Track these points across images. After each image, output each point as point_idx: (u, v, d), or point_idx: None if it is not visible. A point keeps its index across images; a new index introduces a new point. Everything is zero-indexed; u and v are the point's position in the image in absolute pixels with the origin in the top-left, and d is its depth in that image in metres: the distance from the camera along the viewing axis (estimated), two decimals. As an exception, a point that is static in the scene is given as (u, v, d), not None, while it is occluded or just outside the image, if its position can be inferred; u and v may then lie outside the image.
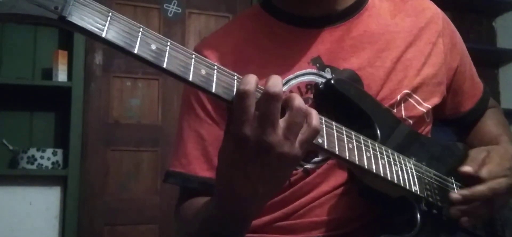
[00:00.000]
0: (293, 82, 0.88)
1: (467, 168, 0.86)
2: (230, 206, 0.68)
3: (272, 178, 0.64)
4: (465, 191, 0.84)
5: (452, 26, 1.02)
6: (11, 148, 2.60)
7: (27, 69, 2.68)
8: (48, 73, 2.63)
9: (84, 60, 2.68)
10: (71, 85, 2.57)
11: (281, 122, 0.60)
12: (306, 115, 0.62)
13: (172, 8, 2.97)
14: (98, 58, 2.82)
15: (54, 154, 2.55)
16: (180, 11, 2.98)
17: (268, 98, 0.59)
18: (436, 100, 0.94)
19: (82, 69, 2.63)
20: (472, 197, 0.83)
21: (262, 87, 0.61)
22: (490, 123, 1.07)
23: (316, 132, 0.63)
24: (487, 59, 3.36)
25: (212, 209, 0.73)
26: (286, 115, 0.61)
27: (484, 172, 0.85)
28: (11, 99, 2.63)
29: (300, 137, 0.62)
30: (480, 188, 0.84)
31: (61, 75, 2.58)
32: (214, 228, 0.73)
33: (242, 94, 0.59)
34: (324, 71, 0.89)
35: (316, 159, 0.86)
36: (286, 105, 0.61)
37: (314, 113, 0.63)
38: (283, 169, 0.64)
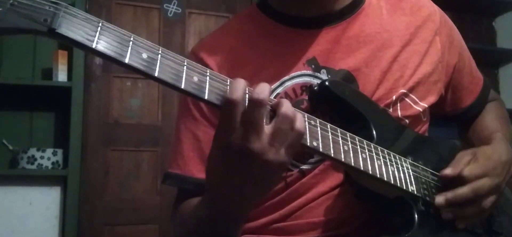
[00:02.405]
0: (288, 84, 0.88)
1: (446, 171, 0.85)
2: (219, 206, 0.69)
3: (258, 182, 0.64)
4: (449, 194, 0.83)
5: (450, 23, 1.02)
6: (11, 148, 2.60)
7: (27, 69, 2.68)
8: (48, 73, 2.64)
9: (84, 60, 2.68)
10: (71, 85, 2.57)
11: (267, 129, 0.60)
12: (292, 122, 0.61)
13: (172, 8, 2.97)
14: (98, 59, 2.82)
15: (54, 154, 2.55)
16: (180, 11, 2.98)
17: (252, 105, 0.59)
18: (432, 99, 0.94)
19: (82, 69, 2.64)
20: (455, 199, 0.83)
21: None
22: (489, 118, 1.07)
23: (300, 136, 0.63)
24: (487, 59, 3.35)
25: (203, 209, 0.73)
26: (273, 121, 0.61)
27: (465, 172, 0.84)
28: (11, 99, 2.64)
29: (285, 143, 0.61)
30: (462, 190, 0.83)
31: (61, 75, 2.58)
32: (207, 228, 0.74)
33: (228, 102, 0.59)
34: (319, 72, 0.89)
35: (312, 160, 0.86)
36: (274, 110, 0.61)
37: (299, 117, 0.63)
38: (270, 174, 0.63)
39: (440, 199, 0.83)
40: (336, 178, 0.86)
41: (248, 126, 0.59)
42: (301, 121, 0.63)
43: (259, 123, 0.59)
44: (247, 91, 0.61)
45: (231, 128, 0.59)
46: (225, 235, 0.72)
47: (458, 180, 0.84)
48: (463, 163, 0.87)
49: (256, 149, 0.60)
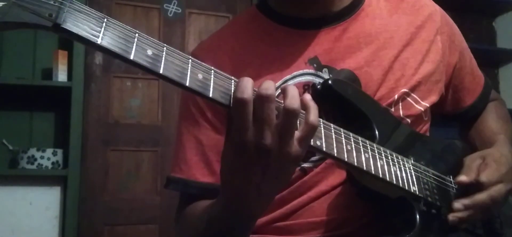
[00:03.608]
0: (290, 82, 0.88)
1: (462, 178, 0.85)
2: (235, 206, 0.68)
3: (275, 177, 0.64)
4: (466, 200, 0.83)
5: (450, 22, 1.02)
6: (11, 148, 2.60)
7: (27, 69, 2.68)
8: (48, 73, 2.63)
9: (84, 60, 2.68)
10: (71, 85, 2.57)
11: (278, 122, 0.60)
12: (300, 112, 0.61)
13: (172, 8, 2.97)
14: (98, 58, 2.82)
15: (54, 154, 2.55)
16: (180, 11, 2.98)
17: (261, 102, 0.59)
18: (434, 98, 0.94)
19: (82, 69, 2.64)
20: (473, 205, 0.83)
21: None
22: (490, 118, 1.07)
23: (313, 128, 0.62)
24: (487, 59, 3.35)
25: (217, 210, 0.73)
26: (280, 115, 0.60)
27: (483, 178, 0.85)
28: (11, 99, 2.64)
29: (298, 134, 0.61)
30: (481, 196, 0.84)
31: (61, 75, 2.58)
32: (220, 227, 0.73)
33: (239, 102, 0.58)
34: (321, 71, 0.89)
35: (313, 158, 0.86)
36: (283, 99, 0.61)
37: (312, 108, 0.62)
38: (286, 168, 0.63)
39: (458, 205, 0.83)
40: (337, 176, 0.85)
41: (260, 123, 0.59)
42: (315, 112, 0.62)
43: (271, 119, 0.59)
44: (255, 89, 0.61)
45: (244, 126, 0.59)
46: (239, 233, 0.72)
47: (475, 186, 0.84)
48: (475, 168, 0.87)
49: (271, 144, 0.59)
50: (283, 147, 0.60)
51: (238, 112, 0.59)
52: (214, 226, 0.75)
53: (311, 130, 0.62)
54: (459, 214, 0.82)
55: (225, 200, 0.70)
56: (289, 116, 0.60)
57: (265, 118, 0.59)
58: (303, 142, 0.62)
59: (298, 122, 0.62)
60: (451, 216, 0.82)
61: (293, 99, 0.60)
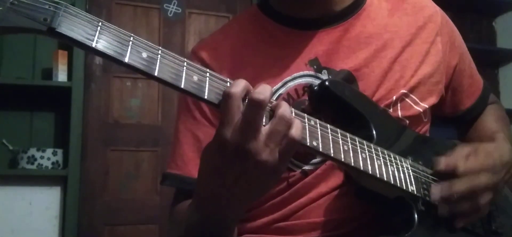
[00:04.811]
0: (291, 84, 0.88)
1: (440, 165, 0.83)
2: (208, 208, 0.68)
3: (250, 184, 0.63)
4: (444, 185, 0.81)
5: (451, 24, 1.02)
6: (11, 148, 2.60)
7: (27, 69, 2.69)
8: (48, 73, 2.64)
9: (84, 60, 2.69)
10: (71, 85, 2.58)
11: (264, 129, 0.61)
12: (289, 125, 0.61)
13: (172, 8, 2.97)
14: (98, 59, 2.82)
15: (54, 154, 2.56)
16: (180, 11, 2.98)
17: (251, 104, 0.59)
18: (433, 100, 0.94)
19: (82, 69, 2.64)
20: (449, 191, 0.80)
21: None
22: (489, 120, 1.07)
23: (294, 143, 0.62)
24: (487, 59, 3.36)
25: (192, 212, 0.73)
26: (270, 122, 0.61)
27: (461, 168, 0.82)
28: (11, 99, 2.64)
29: (280, 146, 0.61)
30: (458, 183, 0.81)
31: (61, 75, 2.58)
32: (196, 231, 0.73)
33: (226, 96, 0.59)
34: (321, 73, 0.89)
35: (314, 160, 0.86)
36: (274, 111, 0.62)
37: (296, 123, 0.62)
38: (262, 177, 0.63)
39: (435, 189, 0.80)
40: (337, 178, 0.86)
41: (246, 124, 0.59)
42: (298, 128, 0.62)
43: (258, 123, 0.59)
44: (249, 90, 0.61)
45: (229, 122, 0.59)
46: None
47: (454, 175, 0.82)
48: (460, 156, 0.85)
49: (252, 148, 0.60)
50: (263, 153, 0.60)
51: (224, 105, 0.60)
52: (191, 230, 0.75)
53: (292, 144, 0.62)
54: (440, 200, 0.80)
55: (198, 201, 0.70)
56: (278, 123, 0.60)
57: (250, 121, 0.59)
58: (283, 154, 0.62)
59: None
60: (440, 208, 0.80)
61: (285, 110, 0.61)
